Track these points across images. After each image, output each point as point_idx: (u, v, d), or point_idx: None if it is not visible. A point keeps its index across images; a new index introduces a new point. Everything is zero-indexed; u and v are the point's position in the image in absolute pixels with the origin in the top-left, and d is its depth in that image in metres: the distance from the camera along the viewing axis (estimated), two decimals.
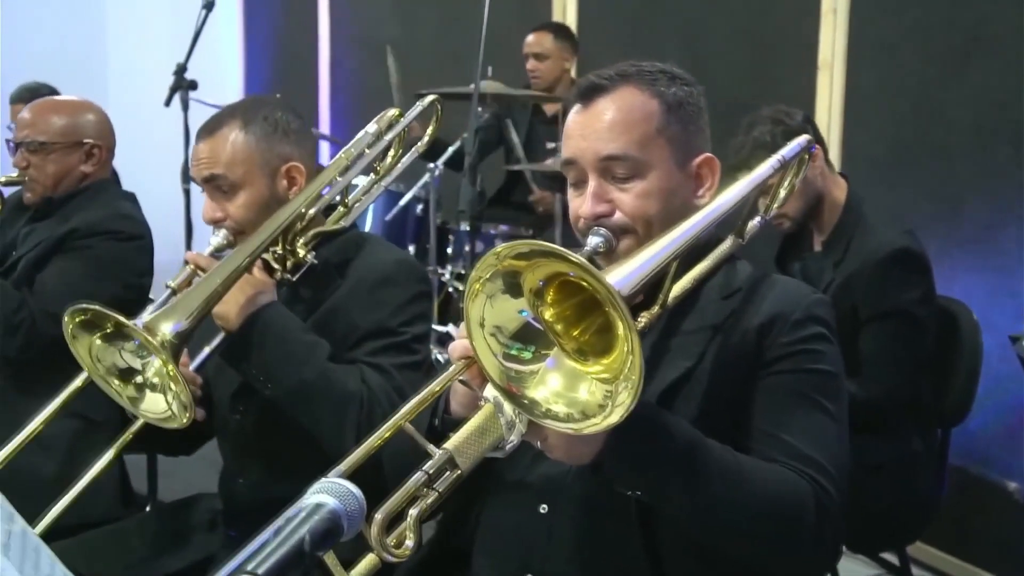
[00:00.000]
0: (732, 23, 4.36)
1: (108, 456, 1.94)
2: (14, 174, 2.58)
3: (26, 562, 1.15)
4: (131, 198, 2.66)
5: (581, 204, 1.46)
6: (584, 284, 1.15)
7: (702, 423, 1.33)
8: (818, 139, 2.61)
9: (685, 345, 1.40)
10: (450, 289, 4.00)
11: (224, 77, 4.48)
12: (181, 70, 4.31)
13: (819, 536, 1.31)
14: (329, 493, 0.98)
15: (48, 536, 1.85)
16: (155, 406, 1.74)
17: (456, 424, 1.27)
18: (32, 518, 2.27)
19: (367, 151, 2.05)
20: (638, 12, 4.74)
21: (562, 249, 1.13)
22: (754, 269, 1.51)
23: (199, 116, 4.85)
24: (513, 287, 1.19)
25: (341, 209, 2.01)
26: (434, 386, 1.28)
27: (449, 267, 4.02)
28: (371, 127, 2.09)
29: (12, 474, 2.23)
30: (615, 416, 1.12)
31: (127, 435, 1.91)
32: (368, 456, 1.20)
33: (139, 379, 1.74)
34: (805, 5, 3.97)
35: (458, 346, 1.29)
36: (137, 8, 6.58)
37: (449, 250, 4.06)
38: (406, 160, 2.17)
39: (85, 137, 2.57)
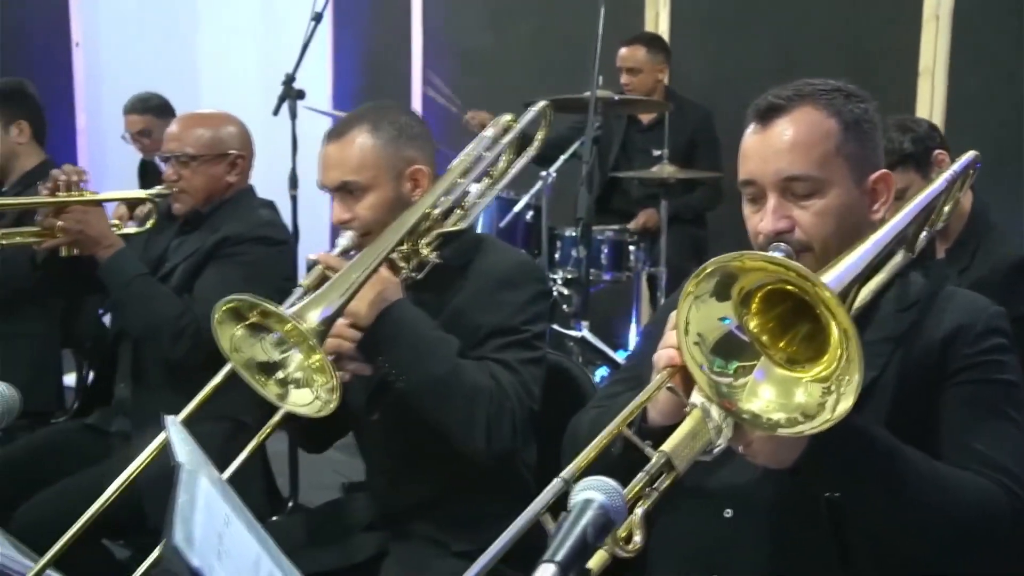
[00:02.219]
0: (828, 30, 4.39)
1: (251, 446, 2.01)
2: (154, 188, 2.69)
3: None
4: (271, 205, 2.77)
5: (760, 220, 1.50)
6: (791, 290, 1.21)
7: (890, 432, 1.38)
8: (945, 146, 2.65)
9: (867, 357, 1.46)
10: (555, 293, 4.08)
11: (313, 86, 4.56)
12: (290, 80, 4.40)
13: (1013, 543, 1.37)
14: (597, 490, 1.07)
15: None
16: (300, 398, 1.78)
17: (655, 432, 1.34)
18: (159, 519, 2.40)
19: (485, 155, 2.14)
20: (731, 19, 4.79)
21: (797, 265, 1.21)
22: (928, 282, 1.56)
23: (307, 125, 5.00)
24: (723, 290, 1.25)
25: (458, 212, 2.08)
26: (645, 394, 1.35)
27: (560, 272, 4.10)
28: (488, 131, 2.18)
29: (157, 475, 2.36)
30: (845, 403, 1.18)
31: (267, 429, 1.97)
32: (591, 462, 1.29)
33: (280, 375, 1.79)
34: (905, 12, 4.00)
35: (663, 355, 1.36)
36: (228, 18, 6.72)
37: (557, 255, 4.14)
38: (519, 165, 2.25)
39: (229, 149, 2.67)
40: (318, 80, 6.53)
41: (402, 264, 1.95)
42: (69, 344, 3.46)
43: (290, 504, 2.76)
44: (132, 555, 2.53)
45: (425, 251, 1.97)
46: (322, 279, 1.85)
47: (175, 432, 1.48)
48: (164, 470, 2.26)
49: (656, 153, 4.05)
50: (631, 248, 4.20)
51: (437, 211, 1.98)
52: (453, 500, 2.00)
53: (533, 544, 1.91)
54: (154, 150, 5.16)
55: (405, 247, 1.94)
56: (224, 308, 1.73)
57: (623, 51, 4.48)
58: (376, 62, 6.39)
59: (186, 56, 6.68)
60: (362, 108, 2.05)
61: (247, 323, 1.75)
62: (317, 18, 4.47)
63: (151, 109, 5.13)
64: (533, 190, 4.09)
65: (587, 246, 3.54)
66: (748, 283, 1.25)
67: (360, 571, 2.03)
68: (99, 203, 2.57)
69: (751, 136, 1.54)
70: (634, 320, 4.51)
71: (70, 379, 3.47)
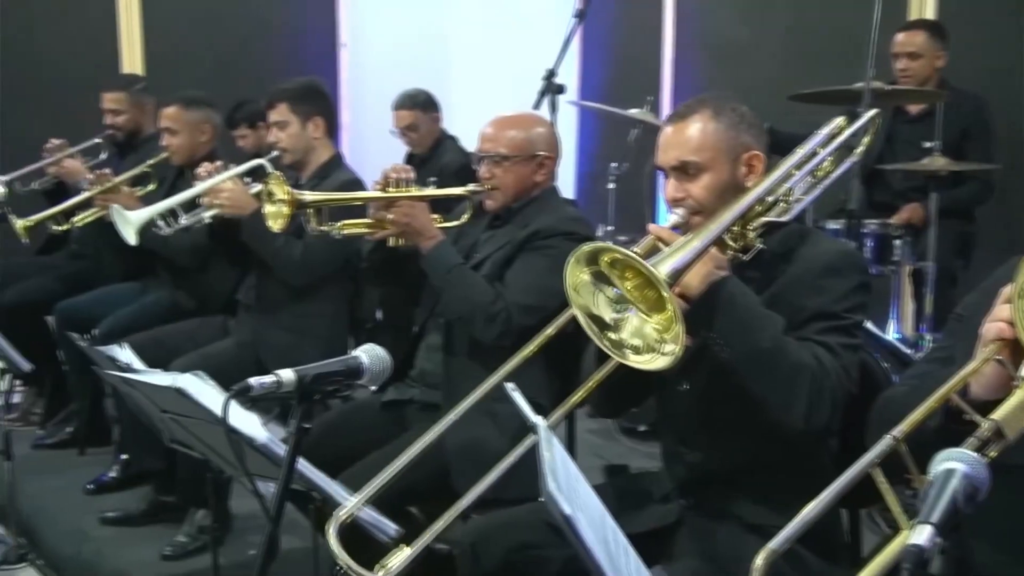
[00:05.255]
0: None
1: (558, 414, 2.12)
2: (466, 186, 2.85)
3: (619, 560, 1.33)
4: (574, 203, 2.91)
5: None
6: None
7: None
8: None
9: None
10: None
11: (561, 79, 4.67)
12: (551, 75, 4.54)
13: None
14: (958, 460, 1.11)
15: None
16: (638, 358, 1.84)
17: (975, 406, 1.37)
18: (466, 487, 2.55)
19: (820, 151, 2.19)
20: (1005, 4, 4.60)
21: None
22: None
23: (565, 118, 5.14)
24: None
25: (782, 204, 2.13)
26: (974, 365, 1.39)
27: None
28: (823, 130, 2.24)
29: (464, 444, 2.53)
30: None
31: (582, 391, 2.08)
32: (917, 425, 1.33)
33: (612, 335, 1.86)
34: None
35: (993, 328, 1.40)
36: (480, 15, 6.96)
37: None
38: (843, 168, 2.29)
39: (539, 150, 2.80)
40: (567, 74, 6.66)
41: (731, 244, 2.01)
42: (350, 325, 3.73)
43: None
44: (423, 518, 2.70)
45: (751, 235, 2.04)
46: (652, 248, 1.92)
47: (518, 398, 1.61)
48: (470, 439, 2.45)
49: (926, 145, 3.93)
50: (896, 242, 4.10)
51: (771, 198, 2.06)
52: (753, 474, 2.05)
53: (826, 529, 1.97)
54: (420, 144, 5.48)
55: (735, 229, 2.00)
56: (585, 250, 1.81)
57: (900, 36, 4.37)
58: (626, 55, 6.46)
59: (440, 54, 6.96)
60: (703, 96, 2.14)
61: (594, 269, 1.83)
62: (580, 15, 4.59)
63: (418, 104, 5.40)
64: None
65: (856, 239, 3.51)
66: None
67: (654, 539, 2.10)
68: (424, 198, 2.77)
69: None
70: (893, 316, 4.40)
71: None
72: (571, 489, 1.31)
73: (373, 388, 1.90)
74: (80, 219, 4.07)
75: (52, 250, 4.68)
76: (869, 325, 3.60)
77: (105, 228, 3.76)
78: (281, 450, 1.77)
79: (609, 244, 1.82)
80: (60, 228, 4.17)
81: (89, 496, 3.74)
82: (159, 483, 3.55)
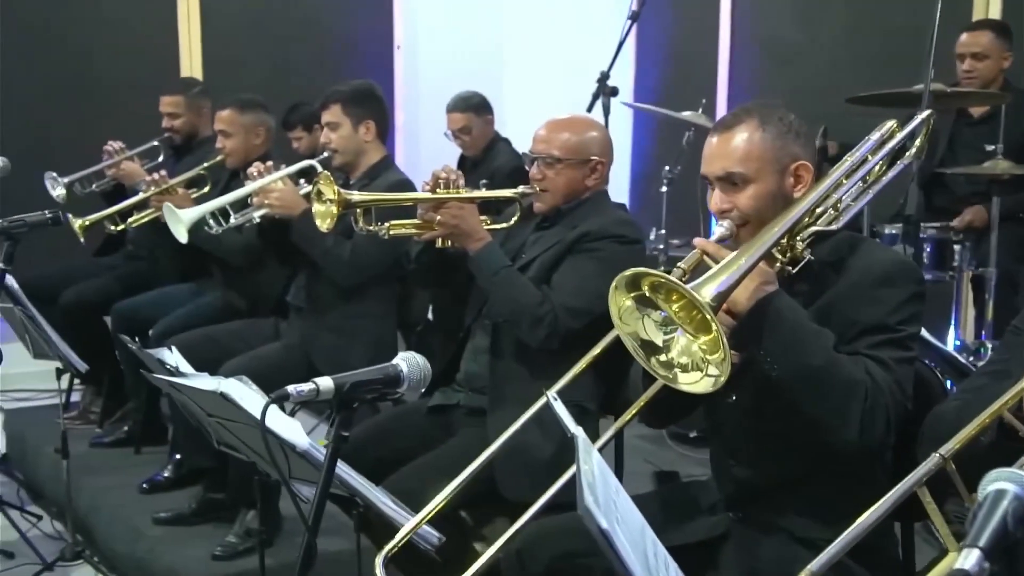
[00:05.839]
0: None
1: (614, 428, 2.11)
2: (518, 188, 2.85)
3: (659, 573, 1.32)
4: (624, 208, 2.88)
5: None
6: None
7: None
8: None
9: None
10: None
11: (615, 81, 4.64)
12: (604, 77, 4.52)
13: None
14: (1009, 481, 1.07)
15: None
16: (687, 378, 1.82)
17: None
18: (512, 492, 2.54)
19: (870, 157, 2.15)
20: None
21: None
22: None
23: (618, 121, 5.10)
24: None
25: (831, 212, 2.09)
26: None
27: None
28: (874, 135, 2.19)
29: (510, 450, 2.51)
30: None
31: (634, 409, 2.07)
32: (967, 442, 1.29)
33: (662, 357, 1.83)
34: None
35: None
36: (533, 17, 6.94)
37: None
38: (893, 173, 2.23)
39: (592, 154, 2.77)
40: (622, 76, 6.63)
41: (778, 257, 1.98)
42: (400, 327, 3.74)
43: None
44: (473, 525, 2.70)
45: (800, 247, 2.00)
46: (698, 263, 1.89)
47: (559, 407, 1.60)
48: (516, 445, 2.44)
49: (989, 148, 3.84)
50: (955, 247, 4.00)
51: (820, 208, 2.02)
52: (803, 487, 2.02)
53: (878, 542, 1.92)
54: (473, 147, 5.49)
55: (784, 241, 1.97)
56: (625, 276, 1.79)
57: (965, 37, 4.27)
58: (680, 57, 6.41)
59: (494, 56, 6.96)
60: (749, 104, 2.10)
61: (637, 294, 1.81)
62: (634, 17, 4.57)
63: (471, 107, 5.41)
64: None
65: (914, 244, 3.43)
66: None
67: (701, 550, 2.08)
68: (472, 200, 2.76)
69: None
70: (953, 323, 4.30)
71: None
72: (609, 502, 1.29)
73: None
74: (136, 220, 4.13)
75: (110, 251, 4.76)
76: (926, 334, 3.52)
77: (161, 229, 3.81)
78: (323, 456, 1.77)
79: (649, 269, 1.79)
80: (116, 229, 4.24)
81: (143, 495, 3.78)
82: (211, 482, 3.58)
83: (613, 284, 1.80)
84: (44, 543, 3.58)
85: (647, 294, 1.80)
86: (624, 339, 1.85)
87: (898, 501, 1.27)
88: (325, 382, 1.61)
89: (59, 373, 3.44)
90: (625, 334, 1.83)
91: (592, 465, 1.33)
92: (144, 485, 3.82)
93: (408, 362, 1.74)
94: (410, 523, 1.90)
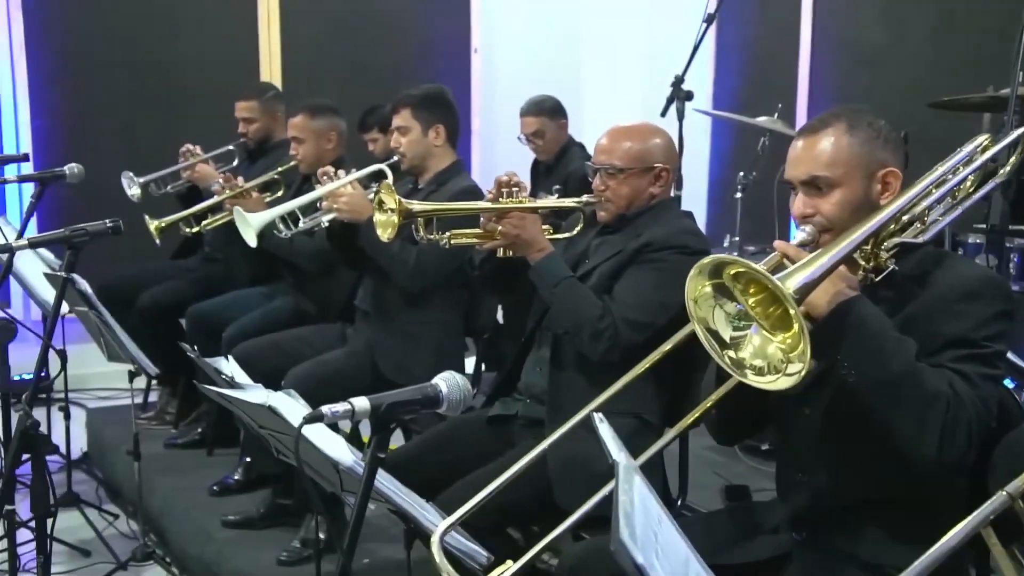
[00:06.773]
0: None
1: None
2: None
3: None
4: (690, 216, 2.81)
5: None
6: None
7: None
8: None
9: None
10: None
11: (694, 86, 4.55)
12: (678, 82, 4.45)
13: None
14: None
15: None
16: (761, 378, 1.75)
17: None
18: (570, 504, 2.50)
19: (961, 170, 2.08)
20: None
21: None
22: None
23: (696, 125, 5.01)
24: None
25: (918, 225, 2.03)
26: None
27: None
28: (967, 147, 2.12)
29: (568, 461, 2.48)
30: None
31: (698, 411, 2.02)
32: None
33: (732, 354, 1.78)
34: None
35: None
36: (611, 20, 6.88)
37: None
38: (985, 190, 2.16)
39: (655, 162, 2.72)
40: (700, 80, 6.54)
41: (861, 263, 1.92)
42: (469, 334, 3.72)
43: (678, 503, 2.78)
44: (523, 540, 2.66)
45: (884, 256, 1.93)
46: (778, 266, 1.82)
47: (605, 431, 1.55)
48: (574, 456, 2.40)
49: None
50: None
51: (906, 217, 1.95)
52: (876, 508, 1.94)
53: (952, 570, 1.83)
54: (546, 151, 5.45)
55: (867, 248, 1.90)
56: (708, 263, 1.75)
57: None
58: (761, 61, 6.30)
59: (571, 59, 6.92)
60: (837, 108, 2.04)
61: (716, 282, 1.76)
62: (709, 19, 4.49)
63: (545, 111, 5.37)
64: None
65: (999, 254, 3.29)
66: None
67: (761, 571, 2.03)
68: (535, 210, 2.72)
69: None
70: None
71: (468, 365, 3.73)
72: (649, 533, 1.25)
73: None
74: (210, 222, 4.19)
75: (187, 254, 4.84)
76: (1011, 356, 3.38)
77: (235, 233, 3.85)
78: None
79: (734, 257, 1.74)
80: (191, 231, 4.31)
81: (213, 497, 3.83)
82: (278, 486, 3.61)
83: (695, 268, 1.76)
84: (119, 542, 3.65)
85: (726, 283, 1.76)
86: (697, 330, 1.79)
87: (962, 542, 1.18)
88: (361, 402, 1.58)
89: (131, 376, 3.50)
90: (697, 319, 1.78)
91: (632, 495, 1.28)
92: (215, 487, 3.86)
93: (448, 382, 1.71)
94: (441, 525, 1.85)
